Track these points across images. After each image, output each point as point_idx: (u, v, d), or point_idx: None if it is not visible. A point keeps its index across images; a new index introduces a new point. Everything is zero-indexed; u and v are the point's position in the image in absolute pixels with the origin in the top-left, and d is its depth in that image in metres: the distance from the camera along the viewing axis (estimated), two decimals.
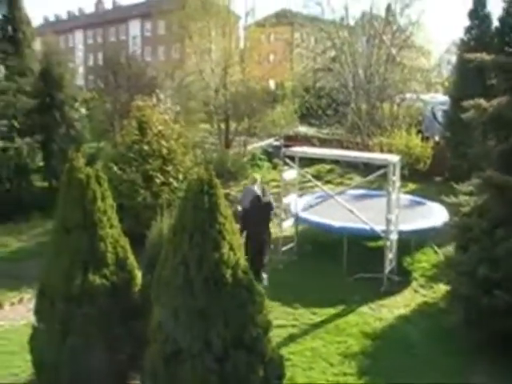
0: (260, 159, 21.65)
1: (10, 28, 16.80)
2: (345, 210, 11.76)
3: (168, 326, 6.09)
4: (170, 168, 13.78)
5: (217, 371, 5.88)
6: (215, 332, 6.00)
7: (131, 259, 7.47)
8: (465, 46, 18.79)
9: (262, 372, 6.15)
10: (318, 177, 18.02)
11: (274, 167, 20.31)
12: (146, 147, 13.64)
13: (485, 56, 9.63)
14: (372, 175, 12.25)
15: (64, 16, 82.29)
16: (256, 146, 23.09)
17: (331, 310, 9.89)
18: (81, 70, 59.73)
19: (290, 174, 12.74)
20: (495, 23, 18.61)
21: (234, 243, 6.38)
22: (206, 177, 6.30)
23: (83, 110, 22.22)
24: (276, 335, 7.54)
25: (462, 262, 8.96)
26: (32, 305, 7.56)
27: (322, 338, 9.00)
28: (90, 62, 66.07)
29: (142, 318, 6.97)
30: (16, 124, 15.81)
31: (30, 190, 15.93)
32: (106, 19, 70.18)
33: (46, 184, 17.19)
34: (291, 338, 8.94)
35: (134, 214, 12.30)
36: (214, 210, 6.23)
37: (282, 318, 9.46)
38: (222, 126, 23.70)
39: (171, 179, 13.78)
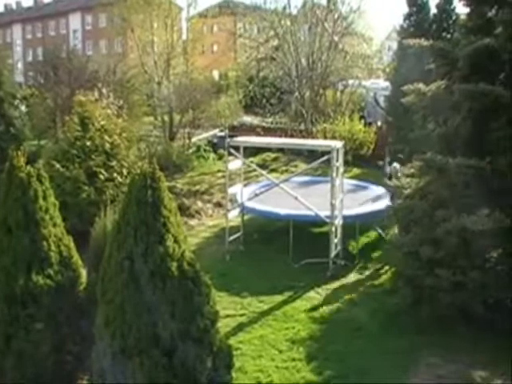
0: (205, 150, 21.60)
1: None
2: (290, 198, 11.89)
3: (114, 322, 6.04)
4: (113, 163, 13.66)
5: (165, 365, 5.88)
6: (162, 325, 5.99)
7: (75, 258, 7.41)
8: (404, 33, 19.16)
9: (211, 363, 6.18)
10: (263, 166, 18.14)
11: (220, 158, 20.30)
12: (88, 143, 13.48)
13: (423, 42, 9.87)
14: (316, 162, 12.39)
15: (1, 9, 79.70)
16: (200, 137, 23.03)
17: (279, 297, 10.03)
18: (19, 65, 58.08)
19: (236, 164, 12.80)
20: (433, 10, 19.07)
21: (179, 236, 6.39)
22: (149, 171, 6.28)
23: (23, 108, 21.65)
24: (224, 325, 7.60)
25: (405, 243, 9.19)
26: None
27: (270, 325, 9.13)
28: (30, 58, 64.22)
29: (88, 317, 6.91)
30: None
31: None
32: (45, 13, 68.21)
33: None
34: (240, 328, 9.04)
35: (78, 212, 12.16)
36: (157, 204, 6.21)
37: (230, 307, 9.55)
38: (166, 118, 23.53)
39: (115, 174, 13.66)
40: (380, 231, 12.83)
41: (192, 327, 6.16)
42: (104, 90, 16.87)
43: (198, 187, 17.25)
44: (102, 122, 14.04)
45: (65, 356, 6.90)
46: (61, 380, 6.88)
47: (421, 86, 9.49)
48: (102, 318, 6.22)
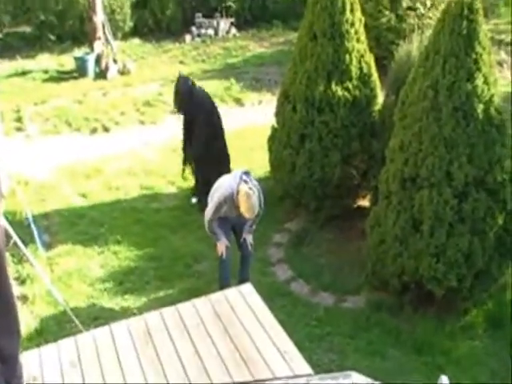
0: None
1: None
2: None
3: (409, 148, 5.88)
4: None
5: (454, 207, 5.65)
6: (458, 165, 5.67)
7: (374, 76, 7.23)
8: None
9: (502, 221, 5.80)
10: None
11: None
12: None
13: None
14: None
15: None
16: None
17: None
18: None
19: None
20: None
21: (490, 77, 5.79)
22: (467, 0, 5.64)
23: None
24: None
25: None
26: (270, 107, 7.76)
27: None
28: None
29: (379, 139, 6.87)
30: None
31: None
32: None
33: None
34: None
35: (375, 35, 11.80)
36: (471, 37, 5.62)
37: None
38: None
39: (418, 4, 12.81)
40: None
41: (488, 178, 5.74)
42: None
43: (503, 37, 15.52)
44: None
45: (352, 169, 7.01)
46: (345, 190, 7.11)
47: None
48: (397, 142, 6.06)
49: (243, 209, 5.61)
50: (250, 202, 5.57)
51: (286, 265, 6.82)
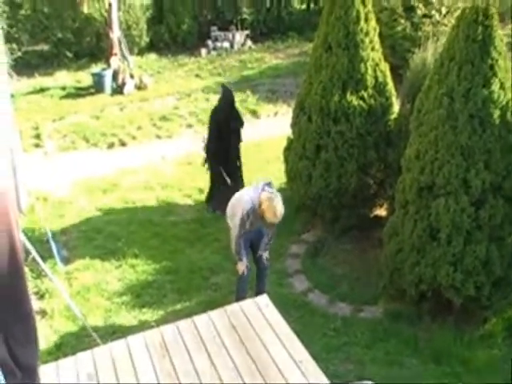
0: None
1: None
2: None
3: (425, 156, 5.83)
4: None
5: (471, 215, 5.59)
6: (474, 172, 5.61)
7: (390, 85, 7.20)
8: None
9: None
10: None
11: None
12: None
13: None
14: None
15: None
16: None
17: None
18: None
19: None
20: None
21: (506, 82, 5.73)
22: (482, 6, 5.60)
23: None
24: None
25: None
26: (286, 119, 7.78)
27: None
28: None
29: (395, 148, 6.82)
30: None
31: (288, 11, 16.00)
32: None
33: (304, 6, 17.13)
34: None
35: (391, 44, 11.78)
36: (487, 43, 5.57)
37: None
38: None
39: (434, 11, 12.77)
40: None
41: (505, 184, 5.66)
42: None
43: None
44: None
45: (368, 179, 6.99)
46: (362, 199, 7.08)
47: None
48: (413, 150, 6.01)
49: (269, 215, 5.55)
50: (273, 206, 5.51)
51: (303, 275, 6.80)
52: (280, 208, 5.55)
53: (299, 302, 6.35)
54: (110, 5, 12.40)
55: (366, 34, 6.97)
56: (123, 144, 10.20)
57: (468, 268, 5.58)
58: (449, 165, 5.64)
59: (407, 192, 5.96)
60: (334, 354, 5.53)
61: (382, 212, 7.37)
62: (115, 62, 12.50)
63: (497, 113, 5.59)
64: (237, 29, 15.10)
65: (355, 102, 6.87)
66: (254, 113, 11.08)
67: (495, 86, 5.59)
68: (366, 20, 6.98)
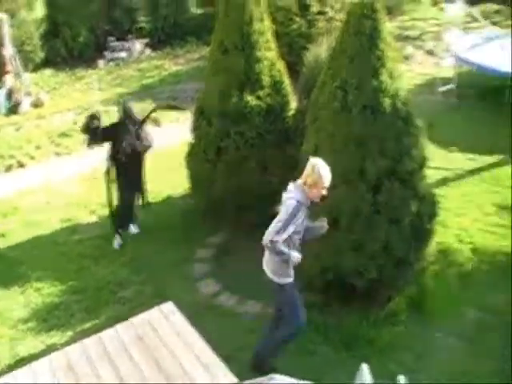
0: None
1: None
2: None
3: (323, 149, 5.94)
4: None
5: (369, 200, 5.76)
6: (370, 160, 5.78)
7: (286, 83, 7.29)
8: None
9: (415, 208, 5.93)
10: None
11: (434, 4, 18.36)
12: None
13: None
14: None
15: None
16: None
17: (489, 159, 9.13)
18: None
19: (453, 10, 11.48)
20: None
21: (394, 72, 5.95)
22: (369, 1, 5.80)
23: None
24: (428, 176, 7.16)
25: None
26: (187, 125, 7.73)
27: (476, 185, 8.46)
28: None
29: (293, 144, 6.88)
30: None
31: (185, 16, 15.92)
32: None
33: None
34: (444, 182, 8.48)
35: (287, 42, 11.96)
36: (374, 36, 5.77)
37: (434, 159, 8.88)
38: None
39: (327, 8, 13.06)
40: None
41: (399, 167, 5.88)
42: None
43: (409, 32, 16.00)
44: None
45: (269, 176, 7.00)
46: (264, 198, 7.04)
47: None
48: (310, 145, 6.14)
49: (324, 172, 4.99)
50: (322, 164, 5.03)
51: (211, 279, 6.80)
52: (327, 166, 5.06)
53: (208, 305, 6.33)
54: (0, 20, 11.97)
55: (261, 33, 7.04)
56: (21, 165, 9.78)
57: (369, 252, 5.75)
58: (345, 155, 5.78)
59: None
60: (246, 352, 5.48)
61: None
62: (9, 80, 12.04)
63: (387, 101, 5.78)
64: (136, 38, 14.93)
65: (253, 102, 6.90)
66: (156, 121, 10.91)
67: (384, 76, 5.78)
68: (261, 20, 7.04)
